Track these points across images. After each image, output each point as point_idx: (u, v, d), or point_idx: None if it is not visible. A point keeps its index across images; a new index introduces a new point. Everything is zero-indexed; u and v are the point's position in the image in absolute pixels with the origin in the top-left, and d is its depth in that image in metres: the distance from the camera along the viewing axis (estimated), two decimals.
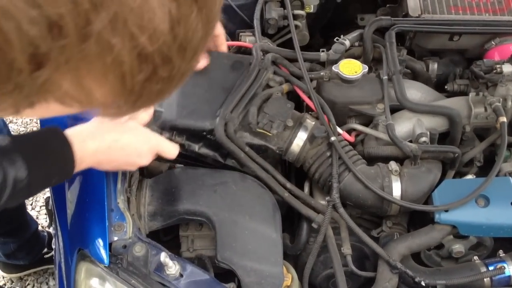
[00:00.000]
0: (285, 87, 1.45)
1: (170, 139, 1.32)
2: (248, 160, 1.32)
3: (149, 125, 1.28)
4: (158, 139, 1.24)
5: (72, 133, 1.08)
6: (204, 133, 1.32)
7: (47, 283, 2.32)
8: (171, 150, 1.25)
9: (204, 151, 1.36)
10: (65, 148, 1.05)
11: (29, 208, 2.59)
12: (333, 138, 1.34)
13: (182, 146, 1.33)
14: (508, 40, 1.58)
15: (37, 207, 2.57)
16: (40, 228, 2.41)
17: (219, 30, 1.46)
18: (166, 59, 0.46)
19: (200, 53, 0.50)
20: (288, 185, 1.37)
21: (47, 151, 1.04)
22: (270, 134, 1.34)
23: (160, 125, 1.32)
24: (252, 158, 1.33)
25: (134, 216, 1.25)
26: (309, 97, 1.42)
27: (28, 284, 2.34)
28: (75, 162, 1.06)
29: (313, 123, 1.39)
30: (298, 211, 1.37)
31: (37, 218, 2.51)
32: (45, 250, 2.26)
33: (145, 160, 1.22)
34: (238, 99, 1.33)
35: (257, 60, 1.41)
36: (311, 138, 1.37)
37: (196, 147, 1.35)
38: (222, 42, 1.49)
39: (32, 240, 2.17)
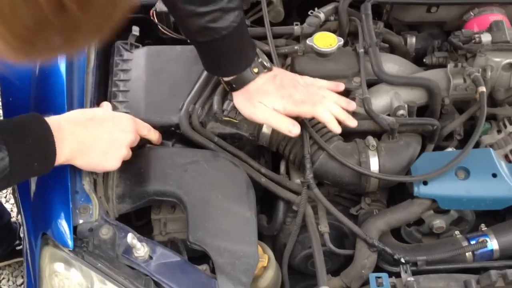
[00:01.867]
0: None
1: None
2: (219, 150, 1.30)
3: None
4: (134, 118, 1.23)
5: (50, 119, 1.06)
6: (173, 128, 1.31)
7: (22, 277, 2.26)
8: (146, 126, 1.25)
9: (179, 146, 1.33)
10: (45, 130, 1.02)
11: (3, 201, 2.53)
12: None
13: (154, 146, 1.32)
14: (487, 11, 1.54)
15: (12, 200, 2.50)
16: (13, 219, 2.35)
17: None
18: (57, 5, 0.43)
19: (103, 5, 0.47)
20: (263, 170, 1.34)
21: (27, 135, 1.01)
22: (236, 121, 1.32)
23: None
24: (223, 148, 1.31)
25: (102, 198, 1.20)
26: None
27: (3, 278, 2.28)
28: (56, 144, 1.03)
29: None
30: (276, 195, 1.34)
31: (11, 210, 2.44)
32: (17, 242, 2.20)
33: (130, 135, 1.18)
34: (201, 90, 1.33)
35: None
36: None
37: (170, 144, 1.33)
38: None
39: (3, 232, 2.11)
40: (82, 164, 1.14)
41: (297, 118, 1.26)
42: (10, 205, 2.50)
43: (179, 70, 1.40)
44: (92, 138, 1.13)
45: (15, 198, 1.50)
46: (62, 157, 1.07)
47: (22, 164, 0.99)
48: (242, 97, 1.26)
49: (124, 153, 1.18)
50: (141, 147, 1.32)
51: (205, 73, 1.35)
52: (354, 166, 1.25)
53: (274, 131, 1.35)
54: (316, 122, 1.35)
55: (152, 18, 1.47)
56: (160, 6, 1.48)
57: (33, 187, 1.22)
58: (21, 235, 1.43)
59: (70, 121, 1.11)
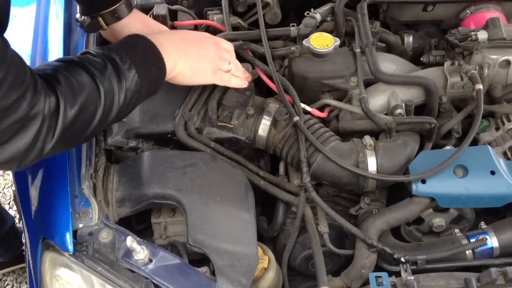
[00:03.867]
0: None
1: (137, 147, 1.32)
2: (216, 155, 1.30)
3: (115, 136, 1.30)
4: None
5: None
6: (169, 135, 1.32)
7: (26, 283, 2.27)
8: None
9: None
10: (149, 44, 1.12)
11: (6, 207, 2.54)
12: (295, 119, 1.30)
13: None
14: (483, 8, 1.54)
15: (15, 206, 2.51)
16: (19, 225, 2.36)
17: None
18: None
19: None
20: (261, 172, 1.35)
21: (138, 49, 1.11)
22: (231, 126, 1.33)
23: (124, 135, 1.31)
24: (220, 152, 1.32)
25: (101, 202, 1.20)
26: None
27: (7, 285, 2.29)
28: (160, 52, 1.13)
29: (276, 106, 1.36)
30: (275, 197, 1.35)
31: (15, 216, 2.45)
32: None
33: (224, 42, 1.31)
34: (196, 96, 1.34)
35: None
36: (275, 122, 1.34)
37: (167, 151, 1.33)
38: None
39: (10, 236, 2.12)
40: (186, 71, 1.21)
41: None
42: (14, 211, 2.51)
43: None
44: (185, 43, 1.22)
45: (16, 204, 1.51)
46: (169, 63, 1.15)
47: (145, 75, 1.07)
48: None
49: (213, 55, 1.26)
50: (137, 152, 1.33)
51: None
52: (350, 167, 1.25)
53: (270, 134, 1.35)
54: (313, 123, 1.35)
55: None
56: (158, 10, 1.49)
57: (33, 192, 1.23)
58: (23, 240, 1.44)
59: (159, 35, 1.19)
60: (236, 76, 1.32)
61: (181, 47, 1.20)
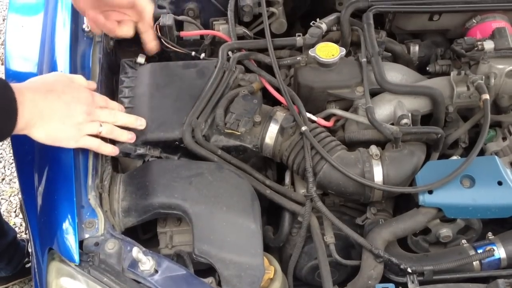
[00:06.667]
0: (257, 84, 1.43)
1: (145, 154, 1.32)
2: (223, 163, 1.31)
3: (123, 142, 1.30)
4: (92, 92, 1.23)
5: (11, 84, 1.07)
6: (177, 142, 1.32)
7: None
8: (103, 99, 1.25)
9: (185, 160, 1.34)
10: (7, 90, 1.04)
11: (12, 215, 2.54)
12: (303, 128, 1.30)
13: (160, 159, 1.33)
14: (489, 18, 1.54)
15: (21, 215, 2.51)
16: (24, 236, 2.36)
17: (143, 3, 1.39)
18: None
19: None
20: (268, 181, 1.35)
21: None
22: (238, 133, 1.33)
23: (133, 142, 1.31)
24: (227, 160, 1.32)
25: (107, 212, 1.20)
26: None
27: None
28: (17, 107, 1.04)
29: (283, 114, 1.36)
30: (281, 206, 1.34)
31: (20, 225, 2.45)
32: (27, 259, 2.19)
33: (87, 106, 1.18)
34: (204, 104, 1.34)
35: (221, 63, 1.40)
36: (282, 130, 1.34)
37: (175, 158, 1.34)
38: (146, 29, 1.43)
39: (11, 249, 2.10)
40: (40, 135, 1.13)
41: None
42: (20, 219, 2.51)
43: (182, 85, 1.41)
44: (51, 108, 1.13)
45: (23, 213, 1.51)
46: (22, 121, 1.07)
47: None
48: None
49: (80, 121, 1.17)
50: (145, 159, 1.34)
51: (208, 87, 1.36)
52: (357, 177, 1.25)
53: (277, 142, 1.35)
54: (319, 132, 1.35)
55: (155, 32, 1.49)
56: (164, 20, 1.49)
57: (39, 202, 1.23)
58: (29, 250, 1.44)
59: (30, 89, 1.11)
60: (108, 138, 1.25)
61: (44, 107, 1.12)
